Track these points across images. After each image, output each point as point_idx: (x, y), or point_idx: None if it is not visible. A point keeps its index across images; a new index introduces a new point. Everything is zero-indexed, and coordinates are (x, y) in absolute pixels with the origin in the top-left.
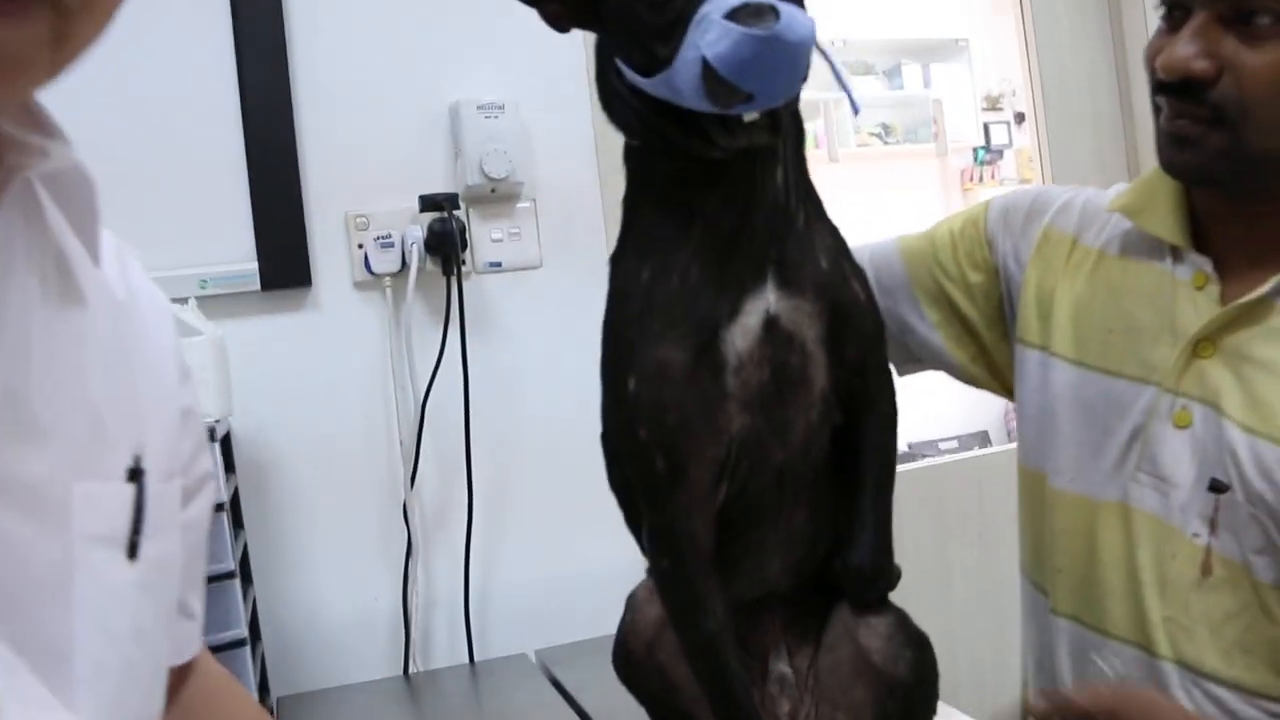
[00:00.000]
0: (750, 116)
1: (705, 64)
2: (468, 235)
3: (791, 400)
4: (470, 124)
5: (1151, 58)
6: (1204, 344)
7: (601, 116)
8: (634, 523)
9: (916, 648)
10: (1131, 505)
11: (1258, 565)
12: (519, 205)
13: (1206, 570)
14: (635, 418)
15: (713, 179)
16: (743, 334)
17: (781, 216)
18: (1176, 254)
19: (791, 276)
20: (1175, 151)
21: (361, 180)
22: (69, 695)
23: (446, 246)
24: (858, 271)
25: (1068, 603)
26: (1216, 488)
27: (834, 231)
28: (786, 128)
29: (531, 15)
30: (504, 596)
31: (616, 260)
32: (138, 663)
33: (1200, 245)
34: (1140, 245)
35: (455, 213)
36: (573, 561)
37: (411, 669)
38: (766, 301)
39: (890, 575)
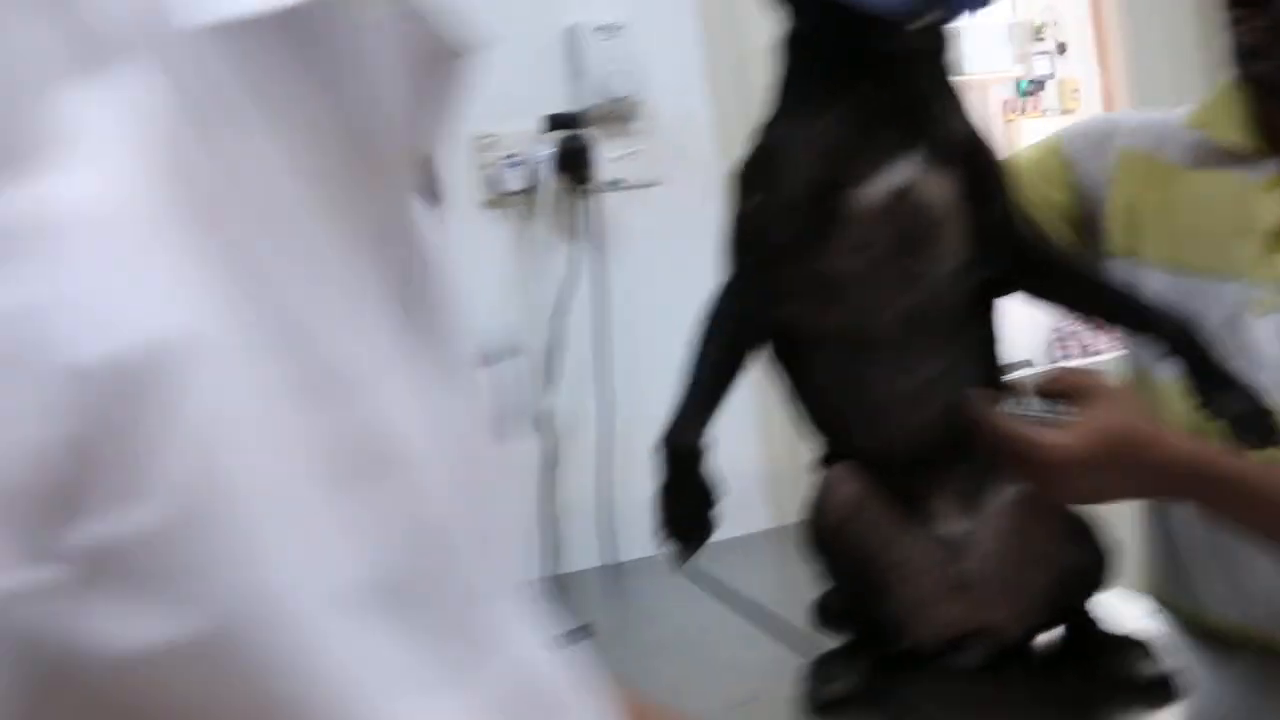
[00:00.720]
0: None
1: None
2: (591, 154)
3: (920, 254)
4: (588, 45)
5: None
6: (1277, 236)
7: (712, 34)
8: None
9: (1081, 534)
10: None
11: None
12: (637, 124)
13: None
14: (744, 230)
15: (864, 68)
16: (866, 197)
17: (923, 103)
18: (1249, 160)
19: (929, 151)
20: (1249, 62)
21: (484, 102)
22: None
23: (574, 165)
24: (990, 141)
25: None
26: None
27: (969, 116)
28: (945, 31)
29: None
30: (638, 502)
31: (761, 127)
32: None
33: (1271, 150)
34: (1214, 155)
35: (581, 131)
36: None
37: (553, 572)
38: (900, 173)
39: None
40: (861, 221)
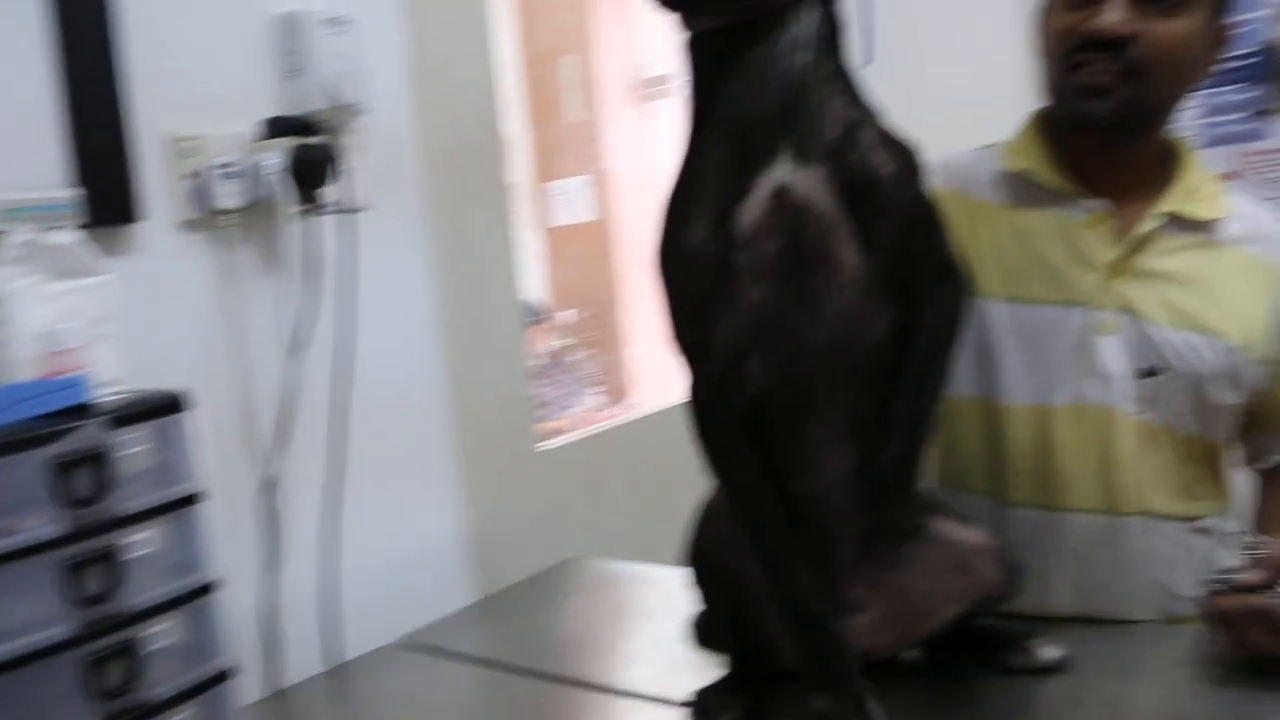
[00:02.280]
0: None
1: None
2: (333, 165)
3: (815, 273)
4: (311, 39)
5: (1063, 27)
6: (1116, 267)
7: (420, 33)
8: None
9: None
10: (1085, 402)
11: (1183, 424)
12: (348, 137)
13: (1147, 438)
14: (666, 295)
15: (734, 63)
16: (752, 207)
17: (799, 94)
18: (1067, 199)
19: (803, 149)
20: (1090, 101)
21: (184, 98)
22: None
23: (308, 179)
24: (889, 145)
25: (1025, 494)
26: (1148, 373)
27: (863, 110)
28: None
29: None
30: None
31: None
32: None
33: (1086, 190)
34: (1032, 194)
35: (316, 139)
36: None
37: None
38: (777, 174)
39: (905, 489)
40: (753, 238)
